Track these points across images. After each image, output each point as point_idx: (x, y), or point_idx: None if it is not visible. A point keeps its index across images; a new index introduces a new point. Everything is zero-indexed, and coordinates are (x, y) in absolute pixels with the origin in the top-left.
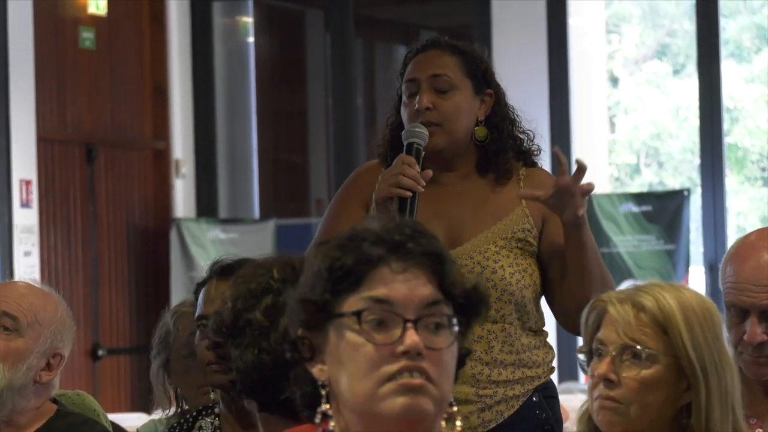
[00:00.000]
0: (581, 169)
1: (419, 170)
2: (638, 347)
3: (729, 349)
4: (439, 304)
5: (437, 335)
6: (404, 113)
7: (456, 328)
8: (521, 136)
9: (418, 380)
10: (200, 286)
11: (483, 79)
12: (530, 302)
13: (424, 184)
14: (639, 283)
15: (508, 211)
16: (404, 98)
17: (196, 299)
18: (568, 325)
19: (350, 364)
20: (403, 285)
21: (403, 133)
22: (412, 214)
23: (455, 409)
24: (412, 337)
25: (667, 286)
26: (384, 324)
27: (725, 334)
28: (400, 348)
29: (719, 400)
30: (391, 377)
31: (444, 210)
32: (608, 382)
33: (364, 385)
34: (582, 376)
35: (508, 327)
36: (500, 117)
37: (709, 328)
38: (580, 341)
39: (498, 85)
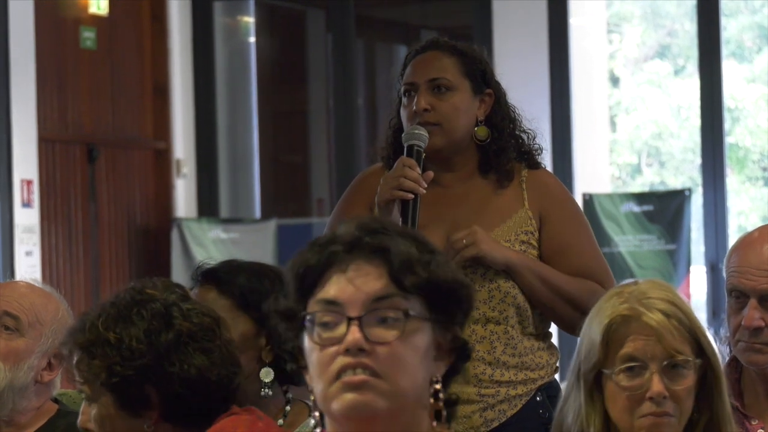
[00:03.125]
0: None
1: (420, 172)
2: (689, 358)
3: (717, 337)
4: (391, 297)
5: (388, 329)
6: (404, 115)
7: (407, 319)
8: (522, 135)
9: (358, 377)
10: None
11: (482, 79)
12: (533, 306)
13: (426, 185)
14: (627, 286)
15: (511, 213)
16: (403, 100)
17: None
18: (567, 331)
19: (312, 368)
20: (351, 284)
21: (402, 135)
22: (415, 216)
23: (441, 404)
24: (352, 334)
25: (656, 286)
26: (331, 325)
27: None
28: (342, 346)
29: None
30: (337, 376)
31: (446, 212)
32: (663, 399)
33: (320, 386)
34: None
35: (510, 330)
36: (500, 117)
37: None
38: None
39: (498, 85)
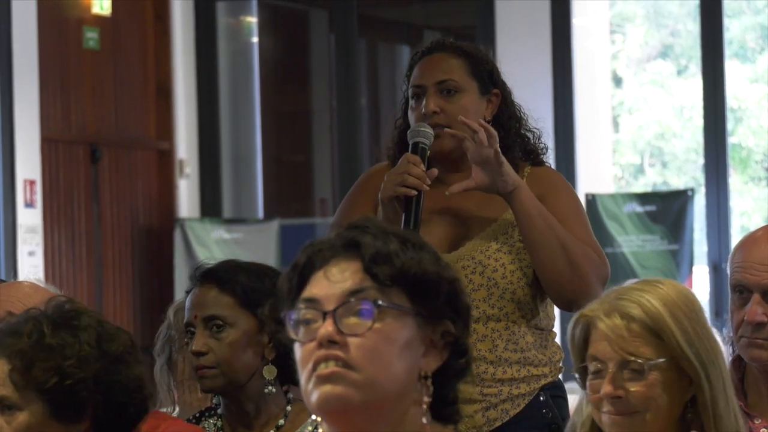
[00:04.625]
0: (488, 131)
1: (424, 169)
2: (638, 360)
3: (719, 337)
4: (366, 290)
5: (361, 321)
6: (411, 117)
7: (377, 309)
8: (528, 134)
9: (329, 369)
10: (188, 293)
11: (489, 79)
12: (533, 300)
13: (429, 182)
14: (618, 287)
15: (507, 207)
16: (411, 102)
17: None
18: (560, 304)
19: (298, 367)
20: (328, 280)
21: (408, 132)
22: (418, 213)
23: (426, 399)
24: (325, 327)
25: (646, 287)
26: (311, 322)
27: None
28: (316, 340)
29: (722, 390)
30: (313, 371)
31: (449, 210)
32: (616, 398)
33: (302, 384)
34: None
35: (511, 325)
36: (507, 116)
37: (696, 320)
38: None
39: (504, 85)
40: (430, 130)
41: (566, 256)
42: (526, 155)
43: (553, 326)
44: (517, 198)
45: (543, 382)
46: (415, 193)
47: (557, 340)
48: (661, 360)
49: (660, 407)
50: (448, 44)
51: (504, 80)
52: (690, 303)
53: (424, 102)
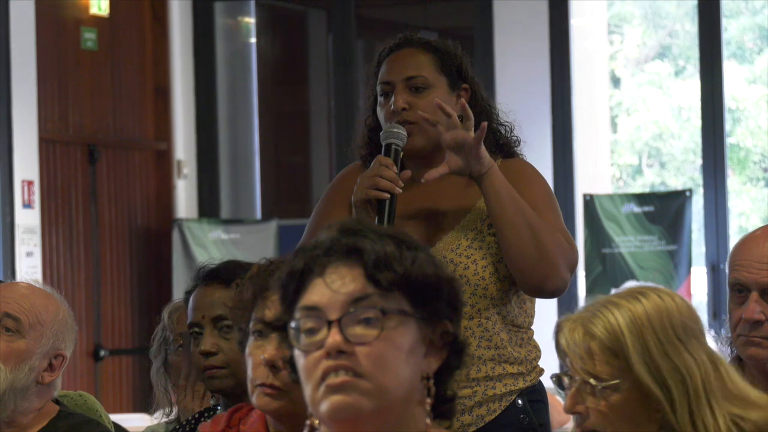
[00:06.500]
0: (465, 113)
1: (397, 171)
2: (592, 381)
3: (715, 341)
4: (369, 297)
5: (367, 329)
6: (380, 114)
7: (384, 317)
8: (499, 128)
9: (340, 378)
10: (188, 293)
11: (458, 74)
12: (507, 295)
13: (402, 185)
14: (604, 297)
15: (475, 201)
16: (380, 99)
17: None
18: (526, 288)
19: (300, 374)
20: (329, 288)
21: (381, 133)
22: (391, 216)
23: (429, 400)
24: (332, 337)
25: (622, 302)
26: (314, 330)
27: (708, 333)
28: (324, 350)
29: (687, 407)
30: (321, 380)
31: (422, 209)
32: (578, 414)
33: (308, 392)
34: None
35: (485, 322)
36: (477, 111)
37: (666, 336)
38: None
39: (473, 80)
40: (403, 131)
41: (534, 239)
42: (498, 149)
43: (531, 324)
44: (488, 179)
45: (520, 383)
46: (388, 196)
47: (546, 339)
48: (615, 382)
49: (621, 426)
50: (416, 40)
51: (473, 75)
52: (666, 316)
53: (392, 99)
